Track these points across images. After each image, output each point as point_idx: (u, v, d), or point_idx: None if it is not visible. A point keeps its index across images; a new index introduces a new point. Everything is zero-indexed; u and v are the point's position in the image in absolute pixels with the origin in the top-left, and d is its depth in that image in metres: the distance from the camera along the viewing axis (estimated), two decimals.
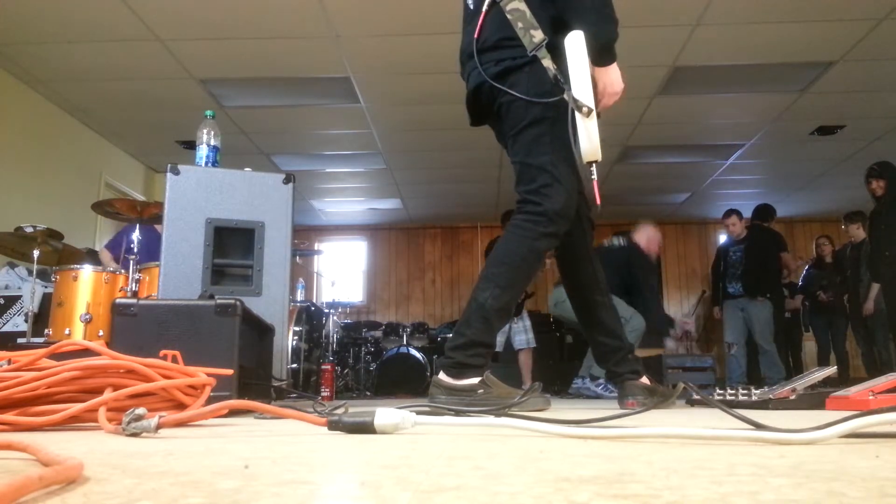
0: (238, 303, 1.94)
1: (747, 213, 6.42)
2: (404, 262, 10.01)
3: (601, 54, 2.02)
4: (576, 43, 1.92)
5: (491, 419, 1.04)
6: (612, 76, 2.08)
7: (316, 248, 9.42)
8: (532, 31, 2.03)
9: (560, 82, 1.99)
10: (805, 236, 9.47)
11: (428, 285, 9.95)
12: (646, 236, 4.93)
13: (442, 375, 2.02)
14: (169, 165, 2.76)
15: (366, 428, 0.96)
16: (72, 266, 3.52)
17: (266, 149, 6.87)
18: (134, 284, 3.39)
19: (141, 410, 0.97)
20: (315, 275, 8.67)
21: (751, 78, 5.35)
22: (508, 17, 2.06)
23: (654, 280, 4.47)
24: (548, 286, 9.74)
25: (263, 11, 4.35)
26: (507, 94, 2.07)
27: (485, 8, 2.13)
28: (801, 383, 2.17)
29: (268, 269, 2.77)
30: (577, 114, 1.93)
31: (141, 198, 6.72)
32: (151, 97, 5.63)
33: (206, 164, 2.92)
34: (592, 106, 1.92)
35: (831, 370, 2.39)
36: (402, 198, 8.66)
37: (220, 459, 0.68)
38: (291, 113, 6.02)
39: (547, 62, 2.02)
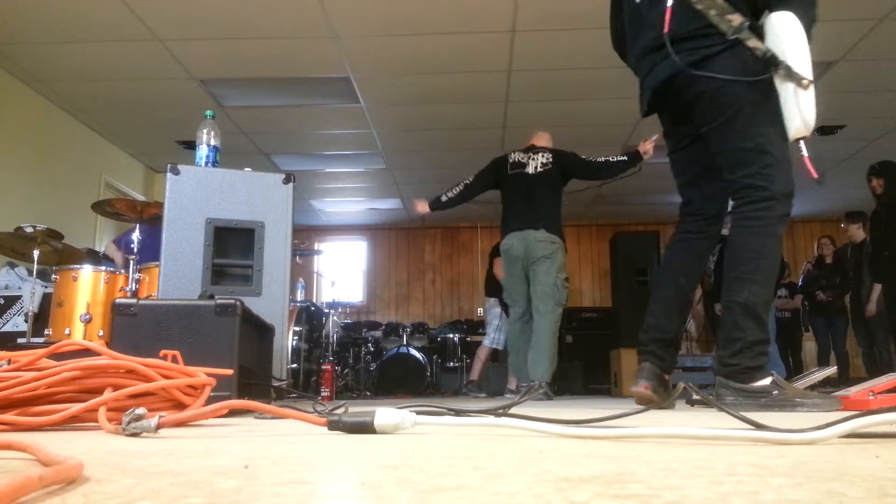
0: (238, 303, 1.94)
1: None
2: (404, 262, 10.01)
3: (809, 32, 2.01)
4: (790, 20, 1.94)
5: (491, 419, 1.04)
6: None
7: (316, 248, 9.42)
8: (729, 16, 2.02)
9: (773, 58, 1.96)
10: (805, 236, 9.47)
11: (428, 285, 9.95)
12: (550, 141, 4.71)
13: (730, 381, 1.97)
14: (169, 165, 2.76)
15: (366, 428, 0.96)
16: (72, 266, 3.52)
17: (266, 149, 6.87)
18: (134, 284, 3.39)
19: (141, 410, 0.97)
20: (315, 275, 8.67)
21: None
22: (699, 7, 2.05)
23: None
24: None
25: (263, 11, 4.35)
26: (712, 80, 2.04)
27: (671, 3, 2.10)
28: (801, 383, 2.17)
29: (268, 269, 2.76)
30: (789, 88, 1.92)
31: (141, 198, 6.72)
32: (151, 97, 5.63)
33: (206, 164, 2.92)
34: (811, 77, 1.91)
35: (831, 370, 2.39)
36: (402, 198, 8.65)
37: (220, 459, 0.68)
38: (291, 113, 6.02)
39: (753, 42, 2.00)
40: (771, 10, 1.99)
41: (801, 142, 1.95)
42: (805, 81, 1.90)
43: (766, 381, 1.95)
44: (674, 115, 2.31)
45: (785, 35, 1.94)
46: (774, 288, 2.04)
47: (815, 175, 1.95)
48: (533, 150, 4.47)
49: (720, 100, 2.07)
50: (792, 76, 1.92)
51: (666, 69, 2.14)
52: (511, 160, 4.46)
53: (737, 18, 2.01)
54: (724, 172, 2.14)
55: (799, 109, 1.92)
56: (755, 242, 2.01)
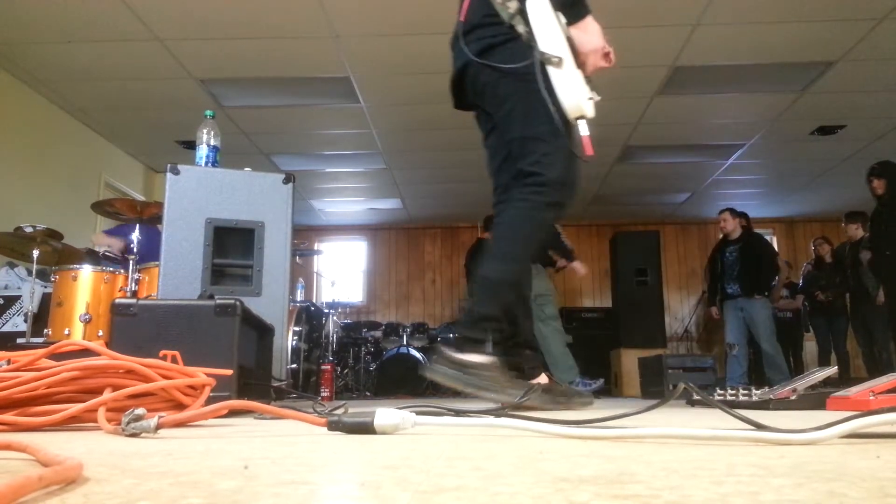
0: (238, 303, 1.93)
1: (749, 214, 6.45)
2: (404, 262, 10.01)
3: (569, 9, 1.98)
4: (536, 1, 1.94)
5: (491, 419, 1.04)
6: (589, 32, 2.02)
7: (316, 248, 9.42)
8: (508, 3, 2.01)
9: (531, 41, 1.95)
10: (805, 236, 9.48)
11: (428, 285, 9.95)
12: None
13: (444, 348, 1.95)
14: (169, 165, 2.76)
15: (366, 428, 0.96)
16: (71, 266, 3.52)
17: (266, 149, 6.87)
18: (134, 284, 3.39)
19: (140, 411, 0.97)
20: (315, 275, 8.67)
21: (751, 78, 5.35)
22: None
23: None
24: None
25: (263, 11, 4.35)
26: (493, 71, 2.03)
27: None
28: (802, 383, 2.18)
29: (268, 269, 2.76)
30: (551, 69, 1.90)
31: (141, 198, 6.72)
32: (151, 97, 5.63)
33: (206, 164, 2.93)
34: (562, 55, 1.89)
35: (832, 370, 2.39)
36: (402, 198, 8.65)
37: (219, 460, 0.68)
38: (291, 113, 6.02)
39: (521, 27, 1.99)
40: None
41: (582, 121, 1.94)
42: (555, 59, 1.87)
43: (484, 357, 1.89)
44: (475, 107, 2.27)
45: (531, 15, 1.92)
46: (526, 269, 2.01)
47: (589, 152, 1.91)
48: None
49: (499, 91, 2.05)
50: (545, 58, 1.89)
51: (459, 59, 2.13)
52: None
53: (513, 5, 2.00)
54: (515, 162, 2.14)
55: (563, 90, 1.90)
56: (515, 222, 2.00)
